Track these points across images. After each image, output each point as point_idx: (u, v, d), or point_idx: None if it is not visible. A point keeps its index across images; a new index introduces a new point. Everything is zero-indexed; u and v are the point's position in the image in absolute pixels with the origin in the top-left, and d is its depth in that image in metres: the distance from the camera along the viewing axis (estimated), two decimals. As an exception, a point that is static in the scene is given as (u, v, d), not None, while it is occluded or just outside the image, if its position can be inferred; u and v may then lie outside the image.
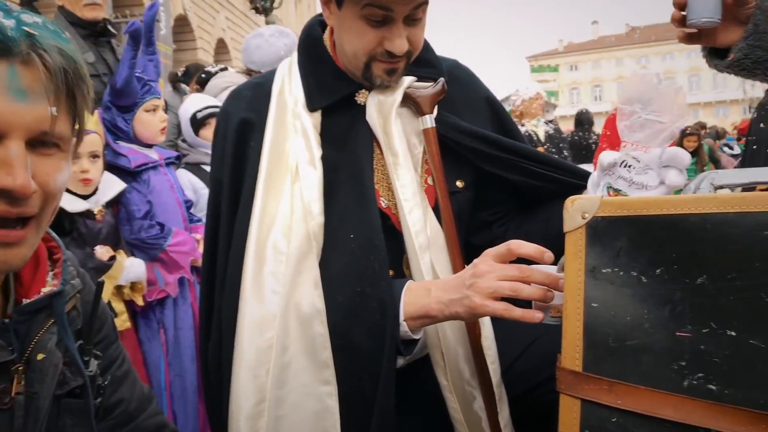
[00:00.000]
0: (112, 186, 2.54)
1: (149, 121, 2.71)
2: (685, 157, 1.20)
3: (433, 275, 1.38)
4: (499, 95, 1.73)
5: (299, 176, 1.36)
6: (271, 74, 1.52)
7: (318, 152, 1.39)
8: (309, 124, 1.41)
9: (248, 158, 1.42)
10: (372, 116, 1.42)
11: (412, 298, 1.29)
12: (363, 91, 1.45)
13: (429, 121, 1.43)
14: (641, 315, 0.96)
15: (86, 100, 0.94)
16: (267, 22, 11.52)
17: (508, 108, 5.83)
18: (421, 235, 1.38)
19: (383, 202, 1.43)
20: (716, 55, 1.36)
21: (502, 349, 1.38)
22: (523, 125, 6.01)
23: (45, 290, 0.97)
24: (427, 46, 1.49)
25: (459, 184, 1.51)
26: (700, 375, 0.92)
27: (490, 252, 1.22)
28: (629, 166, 1.22)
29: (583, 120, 8.04)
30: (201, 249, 2.72)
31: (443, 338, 1.36)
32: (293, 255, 1.31)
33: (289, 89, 1.45)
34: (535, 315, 1.15)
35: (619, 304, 0.98)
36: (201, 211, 2.89)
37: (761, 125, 2.64)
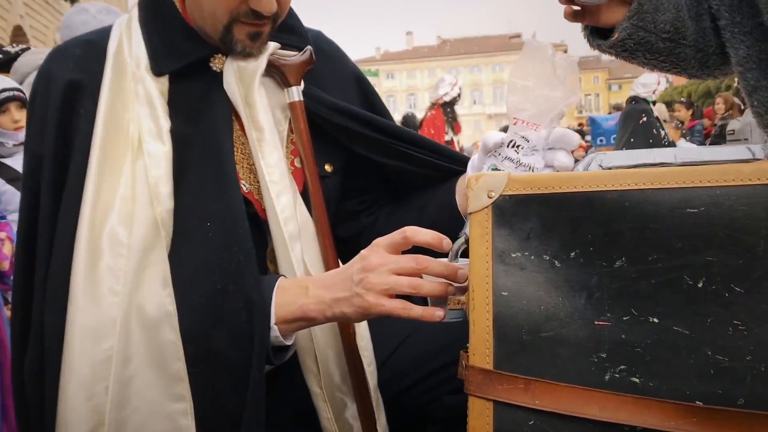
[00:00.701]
0: None
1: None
2: (573, 138, 1.14)
3: (304, 270, 1.21)
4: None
5: (143, 152, 1.13)
6: (105, 31, 1.26)
7: (166, 124, 1.16)
8: (154, 90, 1.18)
9: (77, 129, 1.16)
10: (231, 85, 1.22)
11: (285, 298, 1.11)
12: (219, 55, 1.25)
13: (296, 93, 1.26)
14: (556, 303, 0.86)
15: None
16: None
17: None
18: (291, 222, 1.20)
19: (244, 186, 1.23)
20: (599, 36, 1.31)
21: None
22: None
23: None
24: (291, 12, 1.32)
25: (327, 168, 1.35)
26: (622, 367, 0.83)
27: (381, 241, 1.07)
28: (518, 146, 1.13)
29: (408, 123, 8.19)
30: (4, 249, 2.36)
31: (315, 340, 1.20)
32: (136, 247, 1.08)
33: (128, 49, 1.20)
34: (435, 313, 1.02)
35: (531, 292, 0.87)
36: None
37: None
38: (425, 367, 1.31)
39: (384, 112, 1.46)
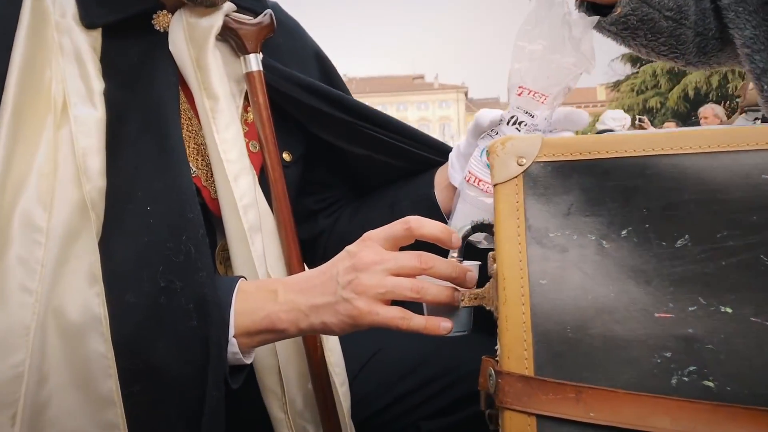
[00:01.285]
0: None
1: None
2: (581, 117, 1.00)
3: (265, 270, 1.00)
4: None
5: (68, 117, 0.89)
6: None
7: (99, 84, 0.93)
8: (84, 43, 0.95)
9: None
10: (178, 45, 1.01)
11: (248, 304, 0.88)
12: (164, 12, 1.03)
13: (254, 62, 1.06)
14: (606, 293, 0.70)
15: None
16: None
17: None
18: (251, 211, 0.99)
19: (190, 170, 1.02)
20: (597, 12, 1.19)
21: None
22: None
23: None
24: None
25: (286, 157, 1.14)
26: (691, 368, 0.68)
27: (374, 234, 0.86)
28: (520, 123, 0.97)
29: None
30: None
31: (282, 356, 0.99)
32: (56, 233, 0.84)
33: None
34: (441, 324, 0.83)
35: (576, 280, 0.71)
36: None
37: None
38: (398, 388, 1.12)
39: (346, 92, 1.27)
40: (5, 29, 0.93)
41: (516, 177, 0.74)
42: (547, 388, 0.68)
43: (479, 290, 0.82)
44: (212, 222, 1.04)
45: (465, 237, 0.87)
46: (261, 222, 1.02)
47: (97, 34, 0.98)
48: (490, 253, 0.78)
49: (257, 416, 1.00)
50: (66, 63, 0.93)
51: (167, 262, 0.87)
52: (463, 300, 0.83)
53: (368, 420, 1.11)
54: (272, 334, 0.90)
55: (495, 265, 0.74)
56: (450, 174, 1.12)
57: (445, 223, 1.09)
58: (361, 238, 0.87)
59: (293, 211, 1.18)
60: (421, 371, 1.11)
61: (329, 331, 0.87)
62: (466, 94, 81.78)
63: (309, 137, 1.18)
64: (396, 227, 0.85)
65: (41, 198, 0.85)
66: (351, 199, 1.29)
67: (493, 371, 0.72)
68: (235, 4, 1.07)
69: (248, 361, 0.93)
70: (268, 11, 1.10)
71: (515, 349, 0.70)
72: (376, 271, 0.83)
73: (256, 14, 1.10)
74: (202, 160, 1.03)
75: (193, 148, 1.04)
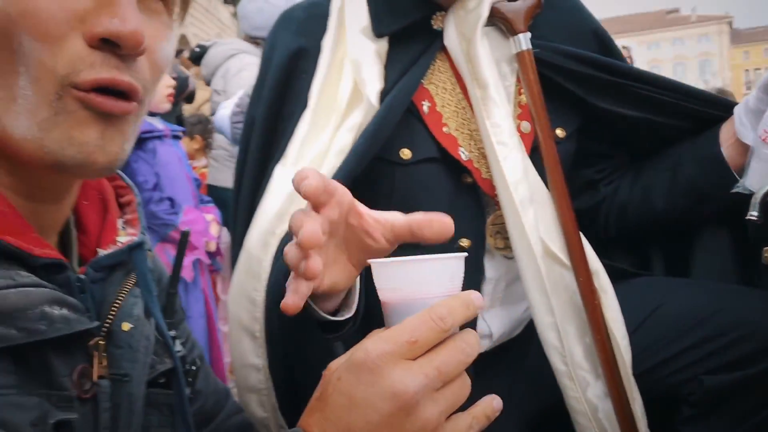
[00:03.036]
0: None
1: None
2: None
3: (538, 239, 1.09)
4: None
5: (345, 123, 1.09)
6: None
7: (379, 85, 1.10)
8: (371, 52, 1.12)
9: (297, 90, 1.13)
10: (451, 40, 1.13)
11: None
12: (441, 13, 1.16)
13: (524, 41, 1.13)
14: None
15: None
16: (233, 14, 11.20)
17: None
18: (522, 186, 1.08)
19: (463, 154, 1.14)
20: None
21: None
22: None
23: (123, 239, 0.70)
24: None
25: (560, 133, 1.21)
26: None
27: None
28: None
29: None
30: (213, 231, 2.43)
31: (558, 313, 1.08)
32: None
33: (350, 10, 1.15)
34: None
35: None
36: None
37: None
38: (679, 343, 1.15)
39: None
40: (316, 45, 1.14)
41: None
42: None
43: None
44: (481, 199, 1.16)
45: (765, 196, 0.87)
46: (533, 195, 1.11)
47: (384, 42, 1.14)
48: None
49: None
50: (353, 69, 1.10)
51: None
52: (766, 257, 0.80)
53: (647, 372, 1.15)
54: None
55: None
56: (738, 131, 1.11)
57: (737, 180, 1.09)
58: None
59: (570, 183, 1.26)
60: (705, 326, 1.13)
61: None
62: (730, 24, 73.70)
63: (584, 111, 1.23)
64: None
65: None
66: (629, 165, 1.33)
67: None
68: None
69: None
70: None
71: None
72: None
73: None
74: (474, 144, 1.15)
75: (467, 134, 1.16)
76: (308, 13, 1.20)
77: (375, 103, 1.09)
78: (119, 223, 0.73)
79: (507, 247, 1.16)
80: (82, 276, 0.65)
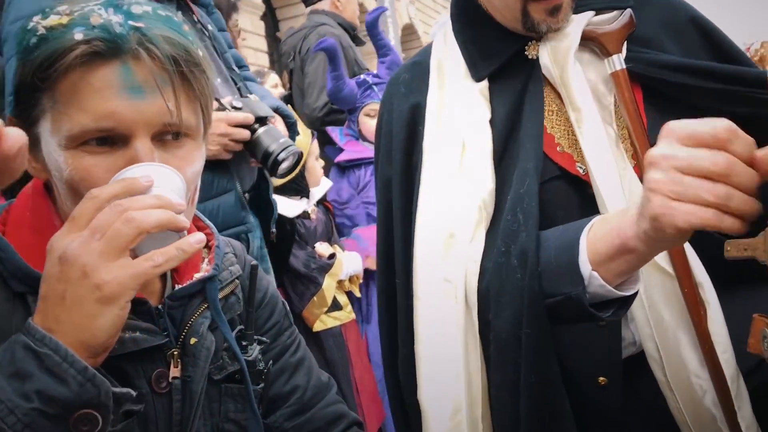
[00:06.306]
0: (321, 186, 2.80)
1: (367, 123, 3.17)
2: None
3: None
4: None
5: (466, 149, 1.21)
6: (427, 49, 1.37)
7: (487, 115, 1.22)
8: (475, 93, 1.24)
9: (419, 143, 1.28)
10: (547, 68, 1.21)
11: (601, 230, 0.95)
12: (533, 42, 1.24)
13: (617, 62, 1.17)
14: None
15: (205, 84, 0.91)
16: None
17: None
18: (617, 202, 1.13)
19: (580, 169, 1.21)
20: None
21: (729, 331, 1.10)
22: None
23: (198, 276, 0.98)
24: None
25: None
26: None
27: (677, 128, 0.77)
28: None
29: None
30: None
31: (657, 324, 1.11)
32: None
33: (448, 61, 1.29)
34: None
35: None
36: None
37: None
38: None
39: (734, 53, 1.27)
40: (425, 97, 1.28)
41: None
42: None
43: (748, 240, 0.76)
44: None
45: None
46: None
47: (483, 84, 1.25)
48: None
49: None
50: (461, 109, 1.24)
51: (507, 232, 1.11)
52: (728, 251, 0.78)
53: (763, 385, 1.13)
54: (626, 254, 0.91)
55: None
56: None
57: None
58: (664, 128, 0.80)
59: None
60: None
61: (652, 240, 0.85)
62: None
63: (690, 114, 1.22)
64: (705, 127, 0.76)
65: None
66: None
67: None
68: (593, 8, 1.20)
69: (626, 293, 0.98)
70: (628, 11, 1.19)
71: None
72: (664, 167, 0.77)
73: (619, 9, 1.20)
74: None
75: (579, 150, 1.20)
76: (412, 73, 1.35)
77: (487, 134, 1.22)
78: (204, 261, 1.01)
79: None
80: (160, 306, 0.93)
